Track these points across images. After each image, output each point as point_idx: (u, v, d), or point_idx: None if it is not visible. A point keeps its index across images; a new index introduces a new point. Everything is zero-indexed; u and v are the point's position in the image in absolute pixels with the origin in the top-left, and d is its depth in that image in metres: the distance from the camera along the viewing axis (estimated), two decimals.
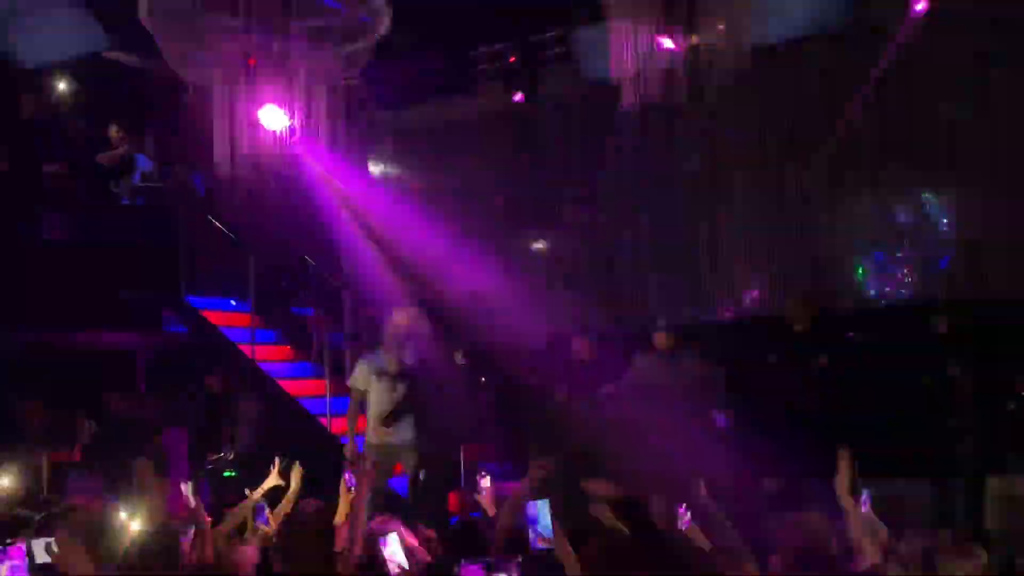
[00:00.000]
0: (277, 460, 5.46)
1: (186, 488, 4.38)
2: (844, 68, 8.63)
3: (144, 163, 10.35)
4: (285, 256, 10.55)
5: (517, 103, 10.05)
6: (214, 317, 9.97)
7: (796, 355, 7.47)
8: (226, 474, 9.60)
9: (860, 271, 8.88)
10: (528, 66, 9.85)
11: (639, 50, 5.01)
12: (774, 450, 7.51)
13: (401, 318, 7.40)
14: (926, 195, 8.76)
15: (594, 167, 10.07)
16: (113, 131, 10.03)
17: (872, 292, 8.84)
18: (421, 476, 7.36)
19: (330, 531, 4.07)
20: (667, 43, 4.94)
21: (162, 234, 9.97)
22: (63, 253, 9.31)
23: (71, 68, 8.66)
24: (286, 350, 10.30)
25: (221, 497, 9.55)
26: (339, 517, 4.63)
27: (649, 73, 5.00)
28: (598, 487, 4.63)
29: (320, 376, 9.65)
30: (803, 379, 7.40)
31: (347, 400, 9.92)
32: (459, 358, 8.37)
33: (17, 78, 8.75)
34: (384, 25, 5.98)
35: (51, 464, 8.01)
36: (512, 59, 9.91)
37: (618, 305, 9.90)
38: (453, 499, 8.12)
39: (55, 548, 3.80)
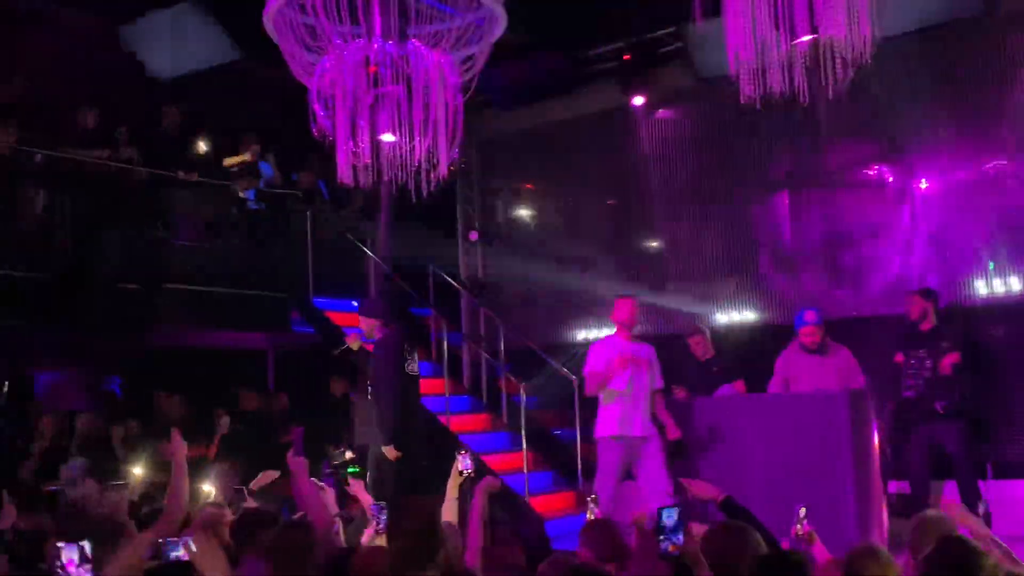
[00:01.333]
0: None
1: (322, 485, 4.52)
2: (975, 55, 8.32)
3: (267, 170, 10.72)
4: (405, 258, 10.77)
5: (631, 102, 9.96)
6: (338, 317, 10.25)
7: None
8: (350, 470, 9.86)
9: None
10: (643, 64, 9.76)
11: (758, 43, 4.92)
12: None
13: (628, 304, 7.11)
14: None
15: (717, 163, 9.94)
16: (243, 138, 10.43)
17: None
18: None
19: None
20: (789, 36, 4.83)
21: (288, 238, 10.31)
22: (196, 257, 9.68)
23: (202, 79, 9.01)
24: None
25: (345, 494, 9.85)
26: (447, 501, 4.67)
27: (768, 67, 4.90)
28: (701, 489, 4.55)
29: (439, 375, 9.82)
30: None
31: (466, 399, 10.14)
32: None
33: (153, 89, 9.16)
34: (500, 28, 6.03)
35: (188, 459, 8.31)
36: (627, 57, 9.85)
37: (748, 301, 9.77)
38: None
39: (192, 547, 3.68)
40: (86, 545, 2.82)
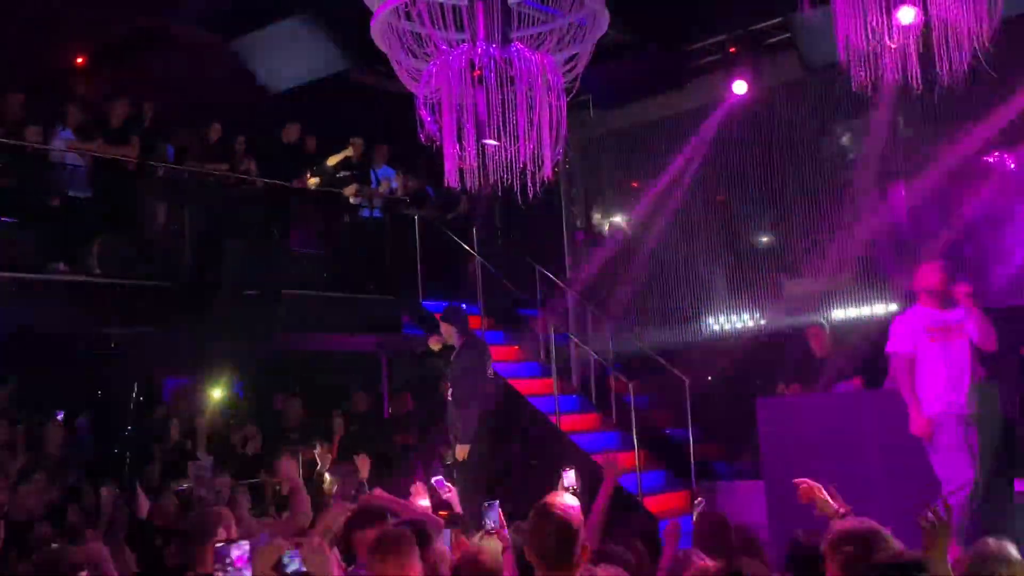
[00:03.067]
0: None
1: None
2: None
3: (392, 180, 10.94)
4: (511, 259, 10.85)
5: (739, 95, 9.80)
6: None
7: None
8: None
9: None
10: (749, 55, 9.61)
11: (869, 29, 4.79)
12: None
13: (934, 268, 6.47)
14: None
15: (828, 155, 9.71)
16: (351, 142, 10.69)
17: None
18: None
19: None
20: (901, 19, 4.68)
21: (399, 242, 10.51)
22: (312, 264, 9.96)
23: (313, 90, 9.26)
24: (514, 350, 10.58)
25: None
26: None
27: (881, 53, 4.77)
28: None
29: (547, 375, 9.86)
30: None
31: (574, 399, 10.15)
32: None
33: (267, 102, 9.46)
34: (603, 26, 6.02)
35: (305, 460, 8.57)
36: (732, 49, 9.71)
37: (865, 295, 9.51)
38: None
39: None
40: (247, 544, 2.89)
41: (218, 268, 8.95)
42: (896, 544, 3.36)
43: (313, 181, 10.15)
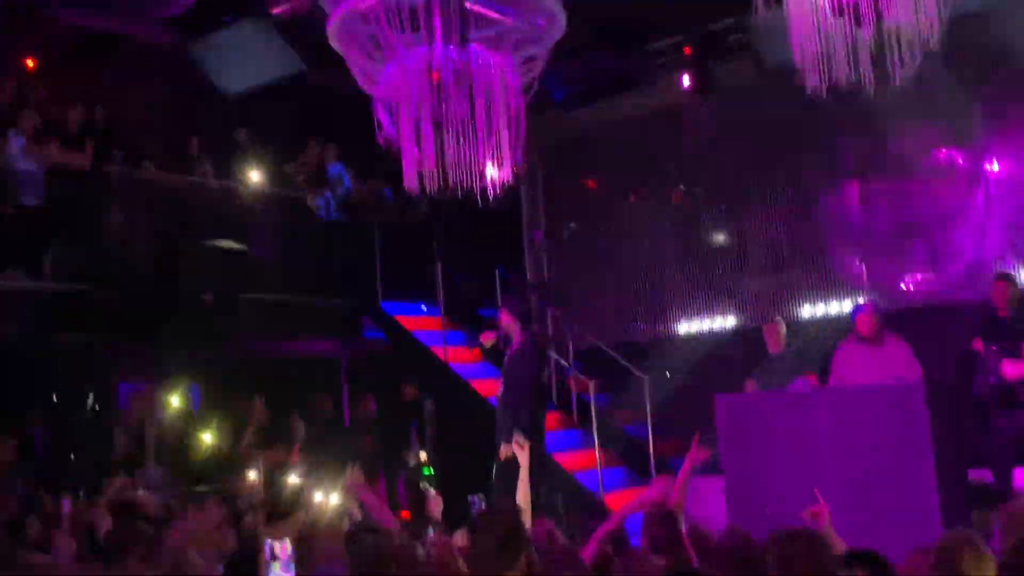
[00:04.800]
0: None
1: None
2: None
3: (344, 177, 10.89)
4: (471, 261, 10.86)
5: (695, 95, 9.89)
6: (407, 322, 10.38)
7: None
8: (425, 472, 9.99)
9: None
10: (705, 56, 9.70)
11: (823, 32, 4.87)
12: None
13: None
14: None
15: (783, 154, 9.83)
16: (310, 147, 10.63)
17: None
18: None
19: None
20: (854, 23, 4.76)
21: (358, 245, 10.47)
22: (271, 267, 9.88)
23: (270, 93, 9.21)
24: (475, 352, 10.58)
25: (417, 496, 9.96)
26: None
27: (835, 55, 4.84)
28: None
29: None
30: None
31: None
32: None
33: (223, 105, 9.39)
34: (559, 28, 6.06)
35: (267, 464, 8.51)
36: (688, 50, 9.79)
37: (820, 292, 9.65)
38: None
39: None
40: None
41: (175, 273, 8.86)
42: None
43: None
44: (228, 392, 10.09)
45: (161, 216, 9.11)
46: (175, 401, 9.62)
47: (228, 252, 9.42)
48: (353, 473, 4.82)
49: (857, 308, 7.27)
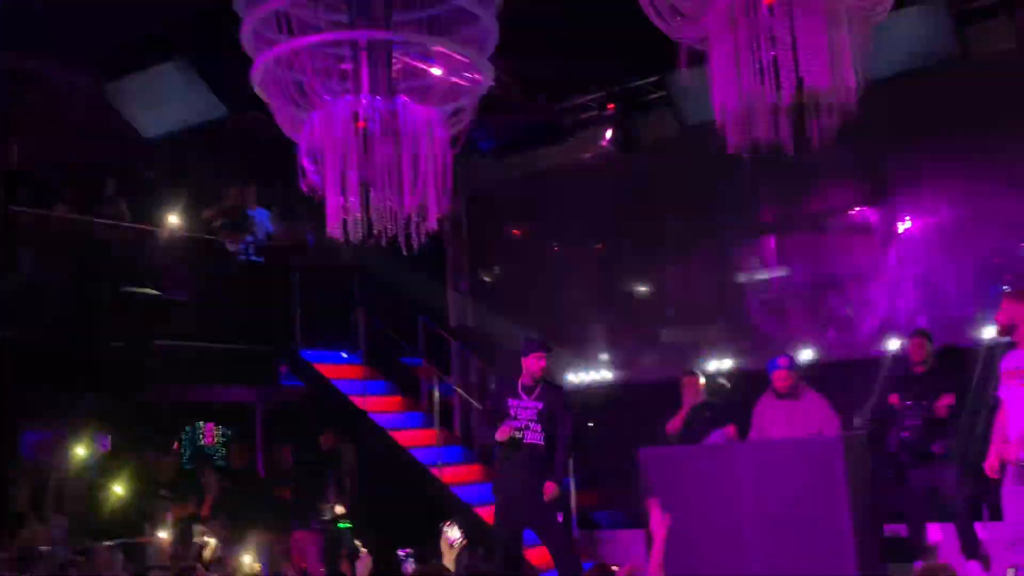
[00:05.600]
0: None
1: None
2: (950, 98, 8.43)
3: (266, 223, 10.73)
4: (394, 308, 10.76)
5: (617, 150, 10.05)
6: (326, 370, 10.21)
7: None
8: (341, 525, 9.77)
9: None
10: (628, 112, 9.87)
11: (743, 92, 4.96)
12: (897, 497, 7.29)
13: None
14: None
15: (703, 209, 10.01)
16: (227, 191, 10.46)
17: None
18: None
19: None
20: (774, 85, 4.87)
21: (277, 290, 10.29)
22: (187, 313, 9.64)
23: (189, 136, 9.05)
24: (396, 400, 10.47)
25: (336, 549, 9.75)
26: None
27: (755, 115, 4.94)
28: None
29: (430, 426, 9.77)
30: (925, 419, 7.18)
31: (457, 450, 10.06)
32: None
33: (141, 147, 9.19)
34: (488, 81, 6.08)
35: (177, 519, 8.24)
36: (611, 106, 9.95)
37: (737, 345, 9.77)
38: None
39: None
40: None
41: (86, 318, 8.58)
42: None
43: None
44: (139, 441, 9.77)
45: (73, 259, 8.83)
46: (81, 450, 9.26)
47: (142, 297, 9.17)
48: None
49: (773, 363, 7.35)
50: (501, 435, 6.60)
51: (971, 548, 7.05)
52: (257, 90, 6.13)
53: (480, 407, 9.98)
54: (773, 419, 7.22)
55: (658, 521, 4.34)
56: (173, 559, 7.10)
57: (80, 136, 9.49)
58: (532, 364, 6.83)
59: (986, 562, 7.16)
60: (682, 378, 8.38)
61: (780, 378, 7.22)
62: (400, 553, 4.21)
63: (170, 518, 8.54)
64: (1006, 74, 8.15)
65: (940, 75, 8.27)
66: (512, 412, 6.74)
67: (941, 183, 8.44)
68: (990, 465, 5.47)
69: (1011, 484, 5.34)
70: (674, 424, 8.05)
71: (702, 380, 8.35)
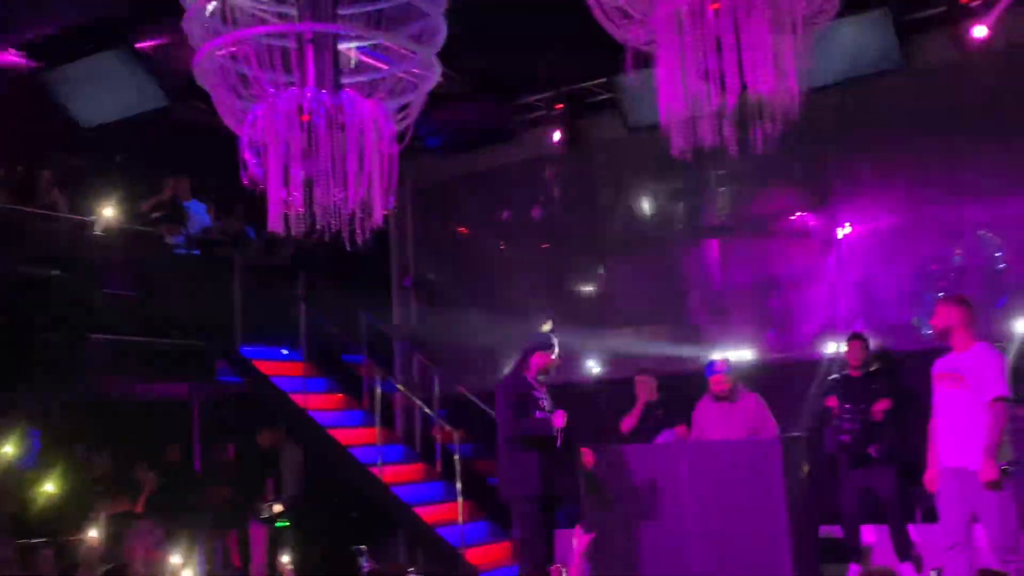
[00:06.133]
0: None
1: None
2: (891, 107, 8.57)
3: (203, 216, 10.54)
4: (336, 304, 10.65)
5: (565, 150, 10.07)
6: (266, 366, 10.07)
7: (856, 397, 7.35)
8: (278, 524, 9.65)
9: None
10: (576, 113, 9.90)
11: (688, 95, 4.99)
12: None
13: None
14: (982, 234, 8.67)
15: (648, 210, 10.06)
16: (165, 182, 10.27)
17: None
18: None
19: None
20: (719, 89, 4.90)
21: (216, 285, 10.12)
22: (123, 306, 9.43)
23: (129, 126, 8.86)
24: (338, 398, 10.36)
25: (275, 547, 9.62)
26: None
27: (699, 119, 4.97)
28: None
29: (371, 425, 9.68)
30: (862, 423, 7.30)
31: (398, 449, 9.98)
32: None
33: (79, 136, 8.97)
34: (435, 78, 6.04)
35: (110, 516, 8.05)
36: (559, 106, 9.97)
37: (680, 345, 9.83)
38: None
39: None
40: None
41: (17, 311, 8.35)
42: None
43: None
44: (72, 438, 9.54)
45: (4, 250, 8.59)
46: (10, 448, 9.02)
47: (77, 289, 8.95)
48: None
49: (711, 367, 7.43)
50: (561, 421, 6.44)
51: (904, 550, 7.19)
52: (199, 80, 6.03)
53: (422, 405, 9.93)
54: (711, 420, 7.30)
55: (580, 545, 4.29)
56: (104, 557, 6.94)
57: (15, 124, 9.23)
58: (540, 360, 6.75)
59: (918, 564, 7.31)
60: (635, 377, 8.43)
61: (717, 381, 7.31)
62: (357, 549, 4.15)
63: (103, 515, 8.36)
64: (946, 84, 8.31)
65: (882, 84, 8.42)
66: (541, 403, 6.62)
67: (881, 190, 8.57)
68: (929, 479, 5.57)
69: (945, 488, 5.44)
70: (629, 422, 8.08)
71: (654, 380, 8.42)
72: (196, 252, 10.37)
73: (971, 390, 5.35)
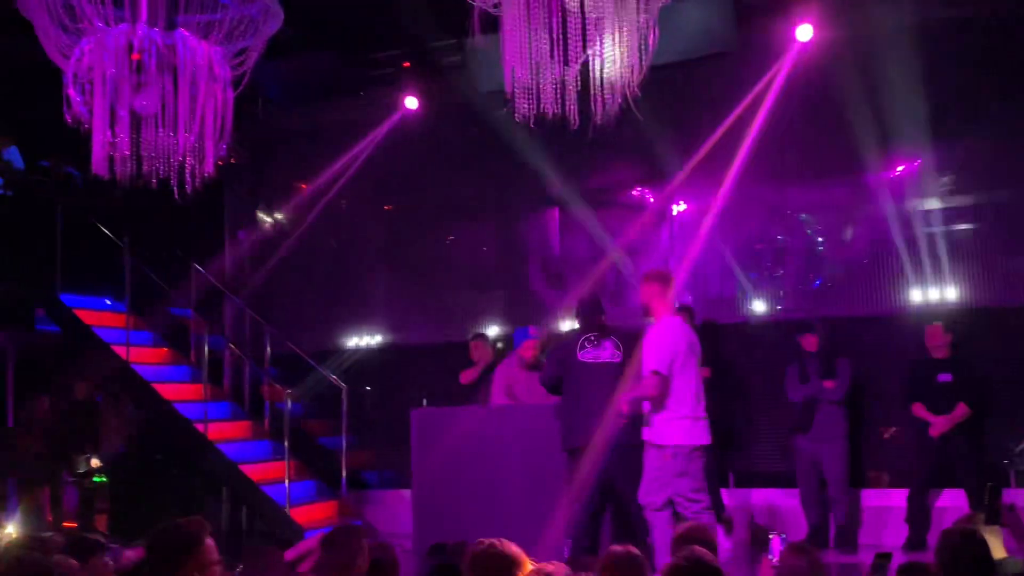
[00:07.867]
0: None
1: None
2: (726, 89, 8.87)
3: (16, 158, 9.92)
4: (165, 255, 10.26)
5: (411, 110, 9.97)
6: (87, 316, 9.62)
7: None
8: (96, 479, 9.29)
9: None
10: (422, 72, 9.81)
11: (533, 64, 5.03)
12: None
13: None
14: (803, 217, 9.13)
15: (491, 175, 10.09)
16: None
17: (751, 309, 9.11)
18: None
19: None
20: (563, 60, 4.96)
21: (36, 229, 9.57)
22: None
23: None
24: (163, 352, 10.01)
25: (90, 504, 9.26)
26: None
27: (543, 86, 5.01)
28: None
29: (197, 380, 9.40)
30: None
31: (225, 406, 9.73)
32: None
33: None
34: (276, 23, 5.87)
35: None
36: (406, 64, 9.85)
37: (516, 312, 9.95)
38: None
39: None
40: None
41: None
42: None
43: None
44: None
45: None
46: None
47: None
48: None
49: (524, 333, 7.61)
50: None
51: (717, 511, 7.55)
52: (23, 10, 5.68)
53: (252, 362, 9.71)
54: (519, 385, 7.48)
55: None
56: None
57: None
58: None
59: (729, 526, 7.71)
60: (470, 342, 8.54)
61: (528, 347, 7.47)
62: None
63: None
64: (776, 70, 8.66)
65: (718, 65, 8.72)
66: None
67: (713, 170, 8.87)
68: None
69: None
70: (469, 374, 8.22)
71: (489, 344, 8.56)
72: (9, 193, 9.75)
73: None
